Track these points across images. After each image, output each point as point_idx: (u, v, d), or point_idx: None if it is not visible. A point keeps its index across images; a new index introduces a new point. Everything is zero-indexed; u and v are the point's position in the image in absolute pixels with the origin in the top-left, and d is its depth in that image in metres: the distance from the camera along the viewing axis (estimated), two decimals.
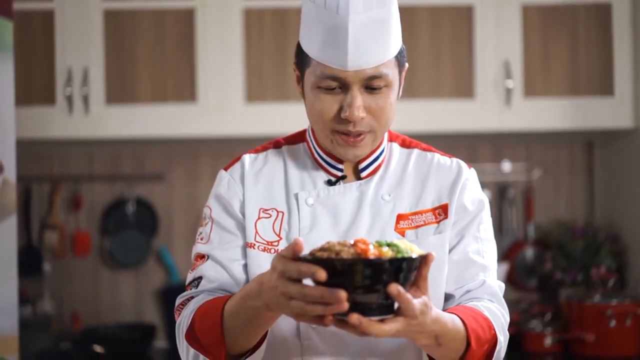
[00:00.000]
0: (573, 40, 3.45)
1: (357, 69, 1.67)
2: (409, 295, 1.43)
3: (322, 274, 1.40)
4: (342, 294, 1.40)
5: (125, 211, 3.80)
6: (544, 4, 3.45)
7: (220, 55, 3.39)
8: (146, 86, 3.42)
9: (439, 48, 3.43)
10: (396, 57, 1.73)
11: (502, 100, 3.41)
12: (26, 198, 3.77)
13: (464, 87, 3.43)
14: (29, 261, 3.71)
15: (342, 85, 1.70)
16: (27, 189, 3.77)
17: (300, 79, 1.79)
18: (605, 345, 3.26)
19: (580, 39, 3.46)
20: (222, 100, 3.39)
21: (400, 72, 1.76)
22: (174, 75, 3.42)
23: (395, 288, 1.41)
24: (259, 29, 3.42)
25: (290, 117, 3.31)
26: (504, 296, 1.84)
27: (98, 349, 3.43)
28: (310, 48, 1.72)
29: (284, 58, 3.38)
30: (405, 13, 3.35)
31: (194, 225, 3.79)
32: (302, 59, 1.76)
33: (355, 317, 1.41)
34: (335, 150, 1.76)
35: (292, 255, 1.44)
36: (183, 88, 3.41)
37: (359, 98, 1.69)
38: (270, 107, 3.39)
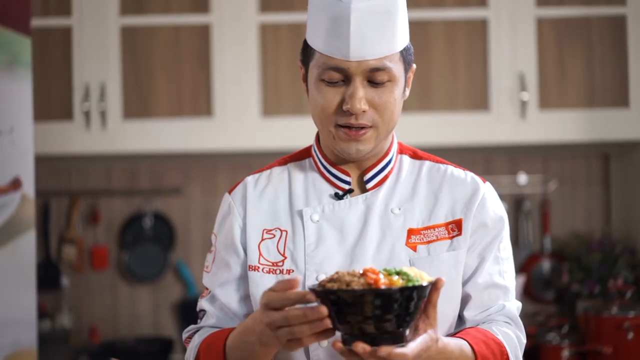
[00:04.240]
0: (588, 52, 3.46)
1: (360, 59, 1.66)
2: (399, 350, 1.42)
3: (311, 297, 1.42)
4: (324, 309, 1.41)
5: (143, 225, 3.82)
6: (558, 16, 3.45)
7: (237, 70, 3.41)
8: (163, 101, 3.44)
9: (454, 61, 3.44)
10: (402, 53, 1.72)
11: (517, 112, 3.41)
12: (45, 213, 3.79)
13: (479, 100, 3.44)
14: (48, 275, 3.74)
15: (345, 78, 1.68)
16: (46, 204, 3.80)
17: (306, 76, 1.78)
18: (623, 357, 3.24)
19: (595, 50, 3.46)
20: (238, 115, 3.41)
21: (406, 70, 1.74)
22: (190, 90, 3.44)
23: (385, 351, 1.41)
24: (274, 44, 3.44)
25: (306, 131, 3.29)
26: (522, 311, 1.84)
27: None
28: (315, 41, 1.71)
29: (299, 72, 3.38)
30: (420, 27, 3.39)
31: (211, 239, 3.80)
32: (307, 54, 1.76)
33: (360, 346, 1.42)
34: (337, 146, 1.73)
35: (289, 287, 1.46)
36: (199, 102, 3.43)
37: (360, 90, 1.67)
38: (286, 121, 3.41)
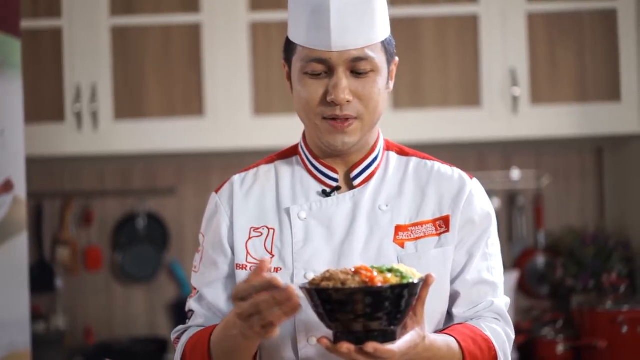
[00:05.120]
0: (579, 47, 3.46)
1: (341, 49, 1.66)
2: (386, 347, 1.43)
3: (277, 282, 1.42)
4: (291, 289, 1.41)
5: (136, 226, 3.81)
6: (549, 11, 3.45)
7: (228, 69, 3.41)
8: (154, 101, 3.44)
9: (445, 57, 3.44)
10: (383, 44, 1.72)
11: (509, 108, 3.41)
12: (38, 214, 3.79)
13: (470, 96, 3.44)
14: (42, 277, 3.73)
15: (328, 69, 1.68)
16: (39, 206, 3.80)
17: (289, 74, 1.78)
18: (618, 351, 3.25)
19: (586, 45, 3.46)
20: (230, 114, 3.41)
21: (388, 62, 1.74)
22: (181, 90, 3.44)
23: (371, 347, 1.41)
24: (265, 42, 3.43)
25: (298, 129, 3.29)
26: (513, 306, 1.83)
27: None
28: (296, 35, 1.72)
29: None
30: (411, 23, 3.39)
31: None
32: (289, 50, 1.75)
33: (345, 347, 1.42)
34: (323, 139, 1.73)
35: (259, 272, 1.46)
36: (191, 102, 3.43)
37: (344, 80, 1.67)
38: (278, 120, 3.41)
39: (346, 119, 1.69)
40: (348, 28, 1.66)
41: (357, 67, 1.68)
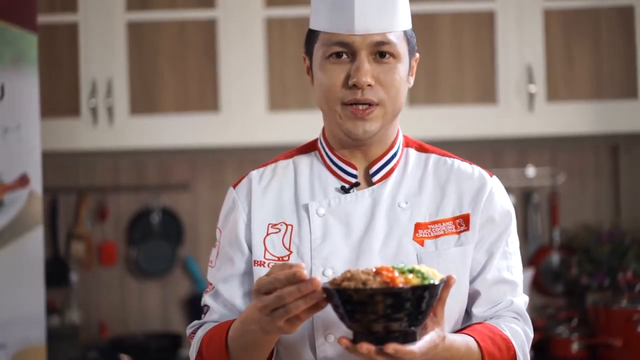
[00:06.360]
0: (596, 44, 3.44)
1: (365, 33, 1.67)
2: (406, 349, 1.43)
3: (302, 274, 1.42)
4: (316, 280, 1.42)
5: (151, 221, 3.82)
6: (565, 7, 3.44)
7: (243, 65, 3.41)
8: (170, 96, 3.44)
9: (461, 54, 3.43)
10: (406, 35, 1.73)
11: (525, 105, 3.40)
12: (53, 209, 3.80)
13: (486, 93, 3.43)
14: (57, 272, 3.74)
15: (351, 54, 1.69)
16: (54, 200, 3.80)
17: (310, 68, 1.78)
18: (633, 350, 3.23)
19: (602, 42, 3.44)
20: (245, 110, 3.41)
21: (410, 54, 1.75)
22: (197, 85, 3.44)
23: (392, 348, 1.41)
24: (281, 38, 3.43)
25: (313, 125, 3.29)
26: (530, 304, 1.83)
27: (125, 358, 3.46)
28: (319, 22, 1.73)
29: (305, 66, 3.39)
30: (427, 19, 3.38)
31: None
32: (311, 41, 1.76)
33: (365, 347, 1.42)
34: (344, 126, 1.72)
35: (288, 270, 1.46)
36: (206, 98, 3.43)
37: (366, 64, 1.68)
38: (293, 116, 3.40)
39: (367, 104, 1.69)
40: (371, 12, 1.67)
41: (380, 51, 1.68)
